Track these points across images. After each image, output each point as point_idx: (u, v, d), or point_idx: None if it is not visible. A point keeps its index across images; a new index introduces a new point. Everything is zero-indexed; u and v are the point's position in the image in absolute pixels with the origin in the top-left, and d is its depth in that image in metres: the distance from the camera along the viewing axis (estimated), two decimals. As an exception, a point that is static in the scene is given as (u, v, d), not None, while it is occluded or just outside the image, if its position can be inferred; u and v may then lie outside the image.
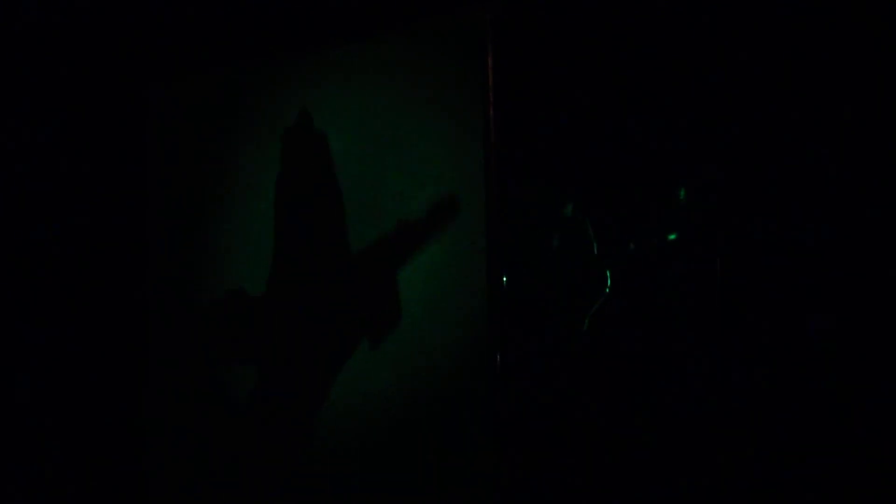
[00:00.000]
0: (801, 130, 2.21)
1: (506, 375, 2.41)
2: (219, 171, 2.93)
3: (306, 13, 2.68)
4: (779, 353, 2.25)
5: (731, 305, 2.31)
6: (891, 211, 2.13)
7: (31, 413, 3.11)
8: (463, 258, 2.46)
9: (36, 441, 3.09)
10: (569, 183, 2.45)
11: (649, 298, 2.43)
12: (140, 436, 3.08)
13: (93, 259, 3.14)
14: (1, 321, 3.09)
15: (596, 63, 2.36)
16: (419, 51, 2.54)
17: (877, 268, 2.14)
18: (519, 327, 2.47)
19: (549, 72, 2.39)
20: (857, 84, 2.15)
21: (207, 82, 2.97)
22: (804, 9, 2.18)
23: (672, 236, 2.39)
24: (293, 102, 2.77)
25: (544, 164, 2.46)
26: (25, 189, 3.13)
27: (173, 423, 3.01)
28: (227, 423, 2.89)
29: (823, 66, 2.17)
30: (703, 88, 2.29)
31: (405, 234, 2.57)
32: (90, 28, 3.04)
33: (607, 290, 2.45)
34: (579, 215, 2.45)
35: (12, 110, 3.11)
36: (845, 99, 2.16)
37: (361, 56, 2.64)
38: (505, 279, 2.43)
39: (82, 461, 3.10)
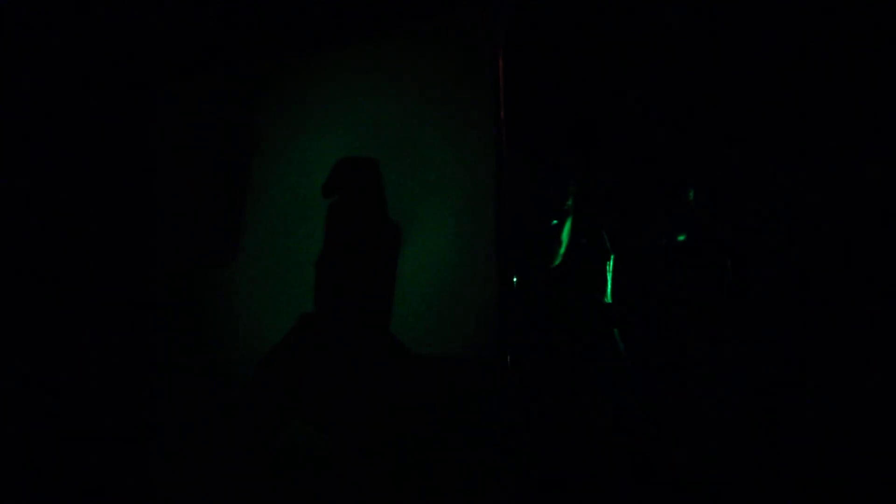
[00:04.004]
0: (812, 129, 2.21)
1: (516, 375, 2.44)
2: (224, 172, 2.89)
3: (314, 13, 2.62)
4: (789, 353, 2.28)
5: (742, 305, 2.33)
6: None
7: (36, 410, 3.11)
8: (474, 258, 2.46)
9: (41, 436, 3.10)
10: (580, 182, 2.45)
11: (659, 298, 2.45)
12: (145, 435, 3.10)
13: (100, 258, 3.11)
14: (7, 318, 3.08)
15: (606, 63, 2.34)
16: (429, 51, 2.50)
17: (888, 267, 2.16)
18: (529, 327, 2.49)
19: (560, 72, 2.37)
20: (870, 82, 2.15)
21: (214, 83, 2.91)
22: (816, 8, 2.17)
23: (681, 237, 2.41)
24: (303, 103, 2.73)
25: (555, 163, 2.46)
26: (32, 189, 3.08)
27: (178, 421, 3.02)
28: (234, 420, 2.90)
29: (836, 66, 2.16)
30: (715, 88, 2.28)
31: (416, 235, 2.56)
32: (97, 29, 2.96)
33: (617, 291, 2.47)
34: (590, 215, 2.46)
35: (21, 111, 3.04)
36: (858, 97, 2.15)
37: (370, 56, 2.60)
38: (515, 279, 2.44)
39: (88, 458, 3.12)
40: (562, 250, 2.49)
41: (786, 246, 2.28)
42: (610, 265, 2.49)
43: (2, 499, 3.05)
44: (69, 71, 3.03)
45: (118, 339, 3.12)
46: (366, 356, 2.62)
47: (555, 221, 2.47)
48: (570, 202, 2.47)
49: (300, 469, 2.75)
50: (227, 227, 2.91)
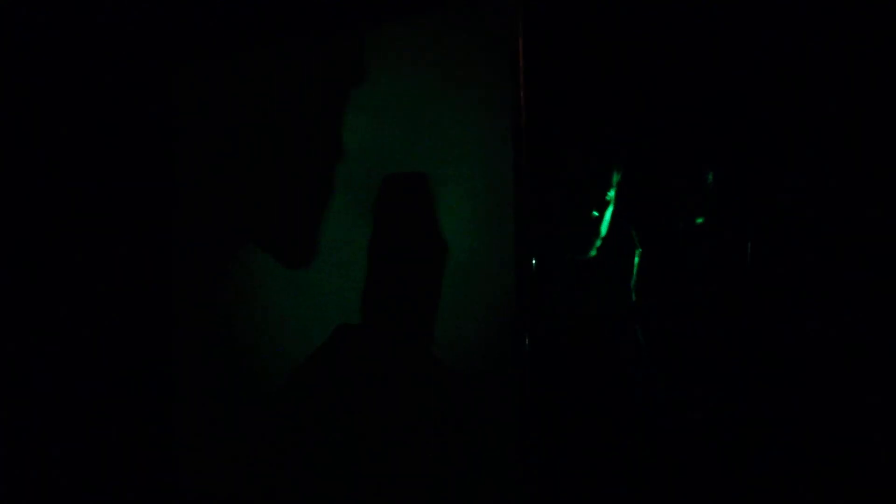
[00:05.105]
0: (836, 113, 2.21)
1: (534, 357, 2.40)
2: (244, 158, 2.94)
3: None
4: (809, 342, 2.22)
5: (762, 290, 2.29)
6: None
7: (57, 407, 3.12)
8: (492, 240, 2.46)
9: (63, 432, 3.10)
10: (600, 164, 2.46)
11: (679, 283, 2.42)
12: (169, 440, 3.09)
13: (119, 249, 3.16)
14: (22, 314, 3.12)
15: (629, 44, 2.38)
16: (448, 32, 2.53)
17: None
18: (548, 309, 2.47)
19: (581, 53, 2.42)
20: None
21: (233, 67, 2.96)
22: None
23: (700, 220, 2.40)
24: (321, 86, 2.78)
25: (575, 145, 2.48)
26: (49, 179, 3.16)
27: (205, 427, 3.01)
28: (254, 413, 2.88)
29: (865, 47, 2.16)
30: (741, 71, 2.29)
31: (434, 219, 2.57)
32: (115, 13, 3.06)
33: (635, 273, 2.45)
34: (611, 197, 2.47)
35: (35, 100, 3.14)
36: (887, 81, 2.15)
37: (388, 38, 2.64)
38: (534, 261, 2.44)
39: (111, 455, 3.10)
40: (598, 242, 2.49)
41: (809, 231, 2.24)
42: (636, 259, 2.48)
43: (9, 499, 3.03)
44: (87, 55, 3.11)
45: (137, 332, 3.13)
46: (403, 369, 2.60)
47: (595, 213, 2.48)
48: (612, 193, 2.48)
49: (326, 475, 2.71)
50: (246, 215, 2.92)
